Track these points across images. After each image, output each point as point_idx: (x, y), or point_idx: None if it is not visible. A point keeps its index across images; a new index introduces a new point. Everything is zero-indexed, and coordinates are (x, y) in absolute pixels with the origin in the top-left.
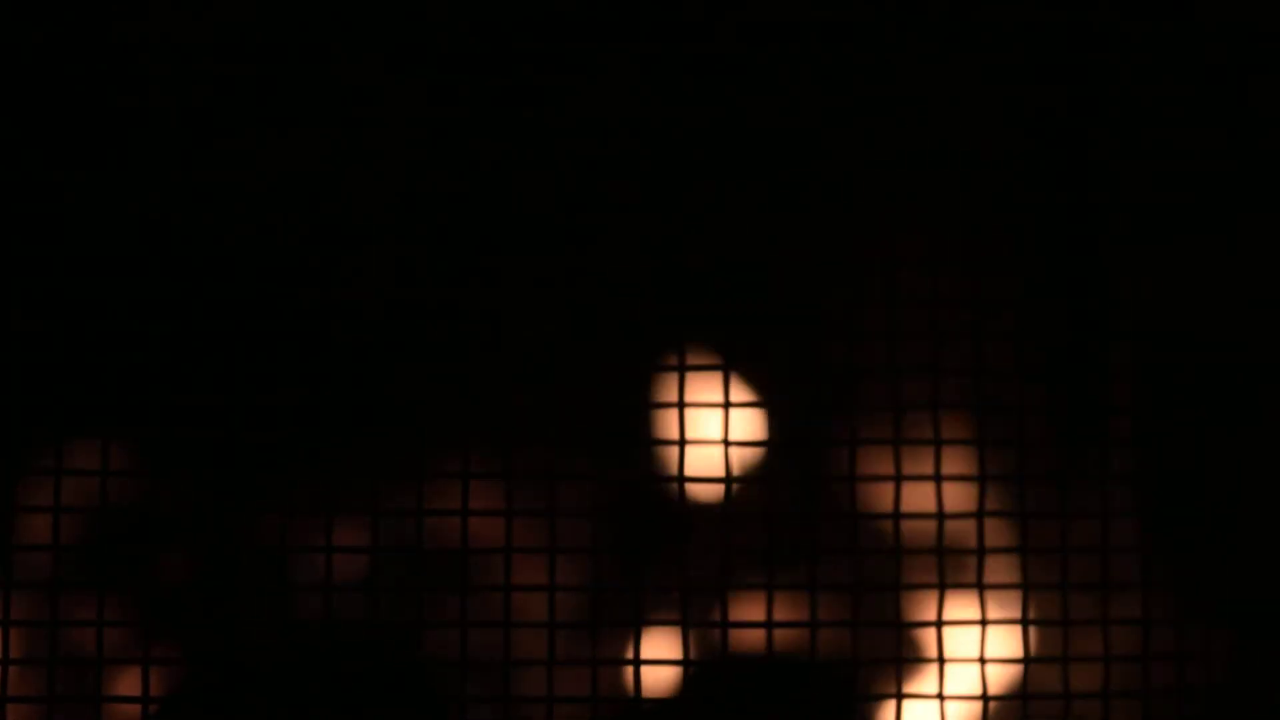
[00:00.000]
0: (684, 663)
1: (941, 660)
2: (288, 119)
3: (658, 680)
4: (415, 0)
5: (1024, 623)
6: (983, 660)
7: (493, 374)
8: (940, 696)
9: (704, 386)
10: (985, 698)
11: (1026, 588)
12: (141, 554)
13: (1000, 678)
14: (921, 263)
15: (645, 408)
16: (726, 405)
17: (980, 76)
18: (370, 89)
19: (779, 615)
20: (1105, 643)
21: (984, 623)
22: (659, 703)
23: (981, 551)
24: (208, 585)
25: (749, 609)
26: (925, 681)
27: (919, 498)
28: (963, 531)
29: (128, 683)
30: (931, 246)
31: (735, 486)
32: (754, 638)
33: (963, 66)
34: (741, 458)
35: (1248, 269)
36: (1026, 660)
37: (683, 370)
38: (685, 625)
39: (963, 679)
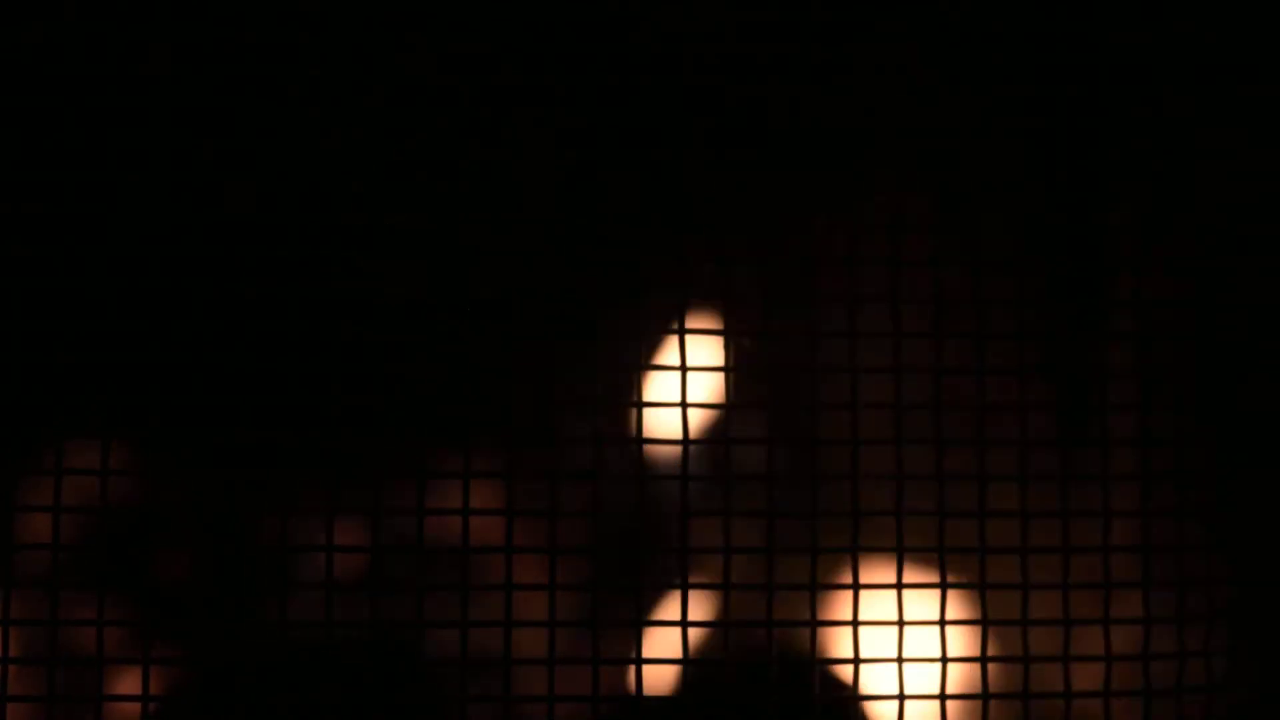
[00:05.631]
0: (684, 662)
1: (945, 660)
2: (289, 118)
3: (658, 679)
4: (412, 1)
5: (1024, 623)
6: (984, 659)
7: (493, 373)
8: (942, 696)
9: (706, 385)
10: (986, 696)
11: (1026, 587)
12: (141, 553)
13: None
14: (922, 261)
15: (646, 406)
16: (729, 406)
17: (981, 75)
18: (371, 88)
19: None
20: (1106, 642)
21: (985, 622)
22: (660, 702)
23: (984, 551)
24: (208, 584)
25: (749, 608)
26: (927, 681)
27: (919, 494)
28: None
29: (128, 682)
30: (932, 245)
31: (736, 484)
32: (755, 636)
33: (964, 65)
34: (743, 456)
35: (1247, 268)
36: (1026, 660)
37: (684, 370)
38: (685, 625)
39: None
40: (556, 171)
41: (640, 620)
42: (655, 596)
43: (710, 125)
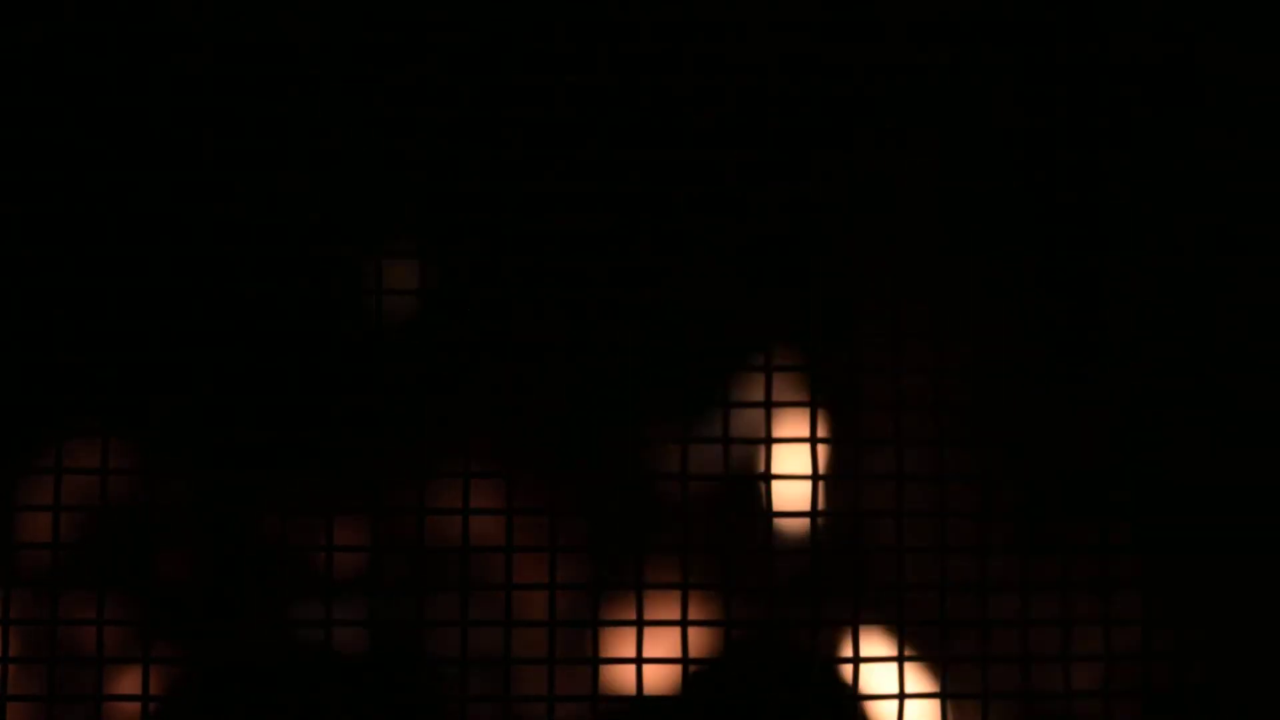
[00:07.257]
0: (684, 661)
1: (944, 659)
2: (289, 118)
3: (658, 679)
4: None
5: (1023, 623)
6: (984, 659)
7: (494, 373)
8: (943, 695)
9: (707, 384)
10: (986, 696)
11: (1027, 588)
12: (141, 553)
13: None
14: (923, 262)
15: (646, 406)
16: (727, 405)
17: (980, 74)
18: (371, 88)
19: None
20: (1106, 642)
21: (985, 623)
22: (659, 701)
23: (984, 551)
24: (208, 584)
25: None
26: (926, 680)
27: (919, 496)
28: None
29: (127, 681)
30: (932, 246)
31: (735, 485)
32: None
33: (964, 64)
34: (742, 456)
35: (1247, 268)
36: (1026, 660)
37: (686, 368)
38: (684, 624)
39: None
40: (557, 171)
41: (640, 620)
42: (655, 596)
43: (709, 125)
